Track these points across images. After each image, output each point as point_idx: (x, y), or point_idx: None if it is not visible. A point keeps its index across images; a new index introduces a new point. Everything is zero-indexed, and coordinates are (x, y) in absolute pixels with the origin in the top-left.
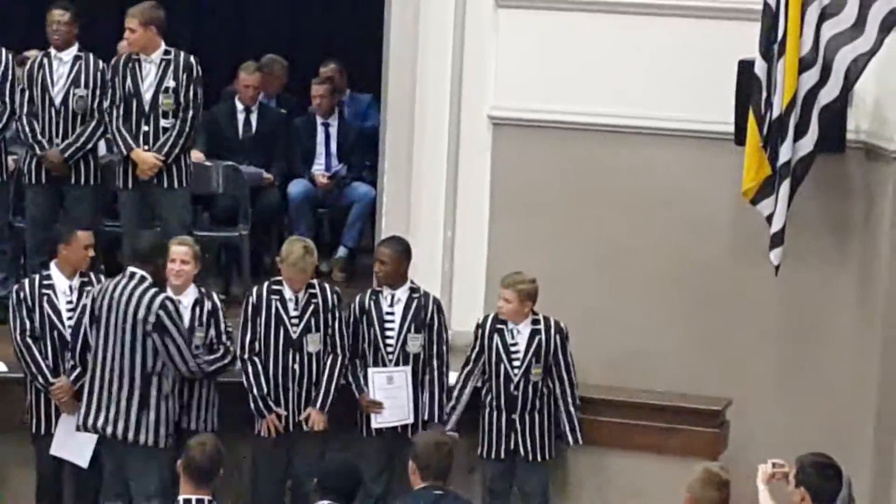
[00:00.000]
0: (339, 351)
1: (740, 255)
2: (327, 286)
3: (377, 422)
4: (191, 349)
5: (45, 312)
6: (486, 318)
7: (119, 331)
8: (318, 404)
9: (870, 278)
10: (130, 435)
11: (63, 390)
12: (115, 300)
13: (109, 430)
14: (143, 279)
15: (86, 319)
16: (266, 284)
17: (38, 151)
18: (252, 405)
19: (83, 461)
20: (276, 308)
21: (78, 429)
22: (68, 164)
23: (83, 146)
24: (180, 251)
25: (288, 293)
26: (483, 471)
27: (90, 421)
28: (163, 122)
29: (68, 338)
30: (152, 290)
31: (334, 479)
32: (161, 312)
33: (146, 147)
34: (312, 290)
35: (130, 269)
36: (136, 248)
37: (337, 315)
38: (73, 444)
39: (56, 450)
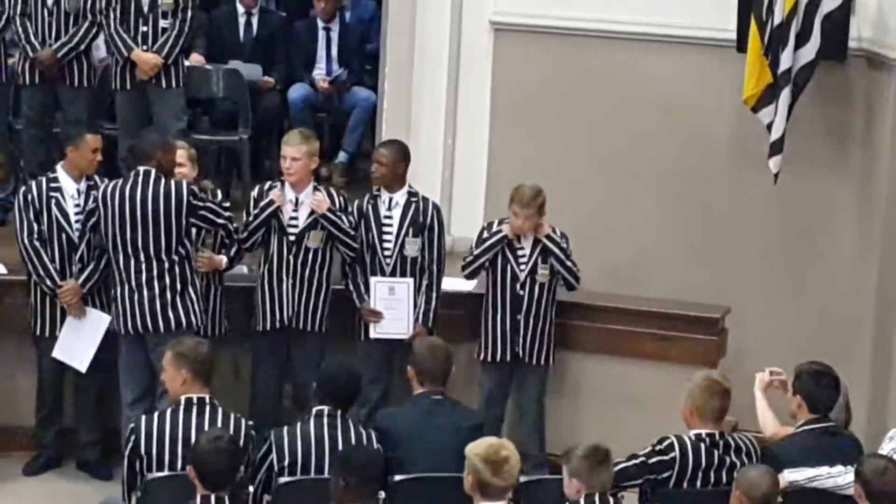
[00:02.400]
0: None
1: (740, 162)
2: (332, 189)
3: (375, 332)
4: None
5: (53, 215)
6: (491, 223)
7: (149, 225)
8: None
9: (869, 187)
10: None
11: (72, 292)
12: (135, 198)
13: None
14: (157, 176)
15: (93, 222)
16: (269, 183)
17: (30, 53)
18: None
19: (82, 366)
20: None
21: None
22: (61, 65)
23: (76, 46)
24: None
25: (290, 194)
26: (482, 377)
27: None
28: (162, 23)
29: (76, 241)
30: (168, 180)
31: (333, 383)
32: (186, 194)
33: (145, 48)
34: (318, 191)
35: (141, 168)
36: (137, 147)
37: (344, 213)
38: (76, 349)
39: (58, 353)
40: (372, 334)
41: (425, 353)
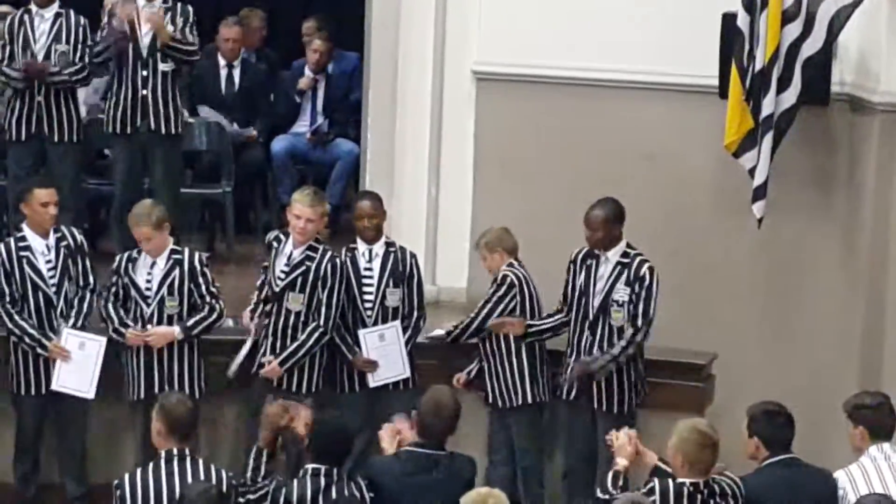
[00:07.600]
0: (321, 322)
1: (723, 208)
2: (328, 255)
3: (374, 380)
4: None
5: (27, 274)
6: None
7: None
8: (280, 359)
9: (853, 230)
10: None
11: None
12: None
13: None
14: None
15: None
16: (275, 232)
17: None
18: None
19: (90, 394)
20: (273, 259)
21: None
22: (46, 82)
23: (67, 80)
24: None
25: (287, 248)
26: (487, 421)
27: None
28: (162, 66)
29: (52, 297)
30: None
31: (325, 442)
32: None
33: (144, 91)
34: (311, 253)
35: None
36: None
37: (327, 285)
38: (77, 374)
39: (60, 385)
40: (371, 384)
41: (431, 408)
